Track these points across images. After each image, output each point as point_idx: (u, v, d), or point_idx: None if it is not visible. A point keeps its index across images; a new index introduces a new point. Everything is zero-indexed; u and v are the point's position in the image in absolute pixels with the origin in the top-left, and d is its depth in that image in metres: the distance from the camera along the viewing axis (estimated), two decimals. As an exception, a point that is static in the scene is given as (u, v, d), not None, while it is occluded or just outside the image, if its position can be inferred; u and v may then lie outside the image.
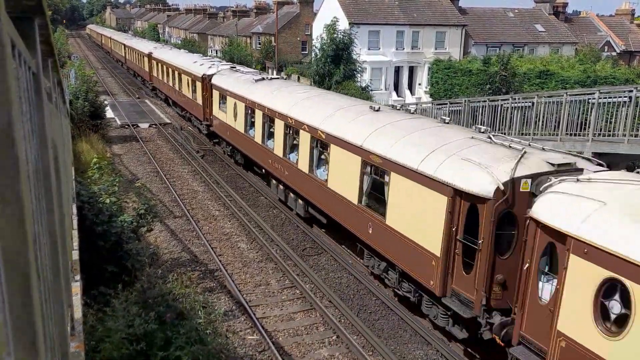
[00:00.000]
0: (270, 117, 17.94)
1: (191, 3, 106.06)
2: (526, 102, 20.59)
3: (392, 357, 10.46)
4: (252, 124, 19.89)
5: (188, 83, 29.25)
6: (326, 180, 14.22)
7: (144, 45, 48.60)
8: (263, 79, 21.39)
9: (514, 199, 8.69)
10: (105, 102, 31.18)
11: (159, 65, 38.62)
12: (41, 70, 2.83)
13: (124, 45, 58.82)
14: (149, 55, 42.06)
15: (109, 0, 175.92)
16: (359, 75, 38.02)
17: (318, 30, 39.85)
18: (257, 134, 19.32)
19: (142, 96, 43.79)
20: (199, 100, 26.86)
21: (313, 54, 40.15)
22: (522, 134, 20.22)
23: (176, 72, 32.38)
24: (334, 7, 43.34)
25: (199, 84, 26.64)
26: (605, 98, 17.50)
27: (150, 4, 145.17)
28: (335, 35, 36.02)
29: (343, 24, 39.31)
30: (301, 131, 15.43)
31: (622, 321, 6.80)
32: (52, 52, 4.31)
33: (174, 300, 8.86)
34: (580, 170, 9.05)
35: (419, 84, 45.13)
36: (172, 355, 7.58)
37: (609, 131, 17.27)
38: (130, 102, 41.10)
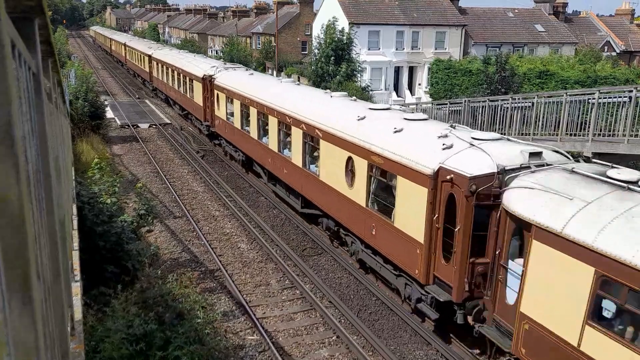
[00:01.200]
0: None
1: (191, 3, 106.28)
2: (526, 102, 20.59)
3: (392, 357, 10.46)
4: None
5: (352, 168, 13.30)
6: None
7: (191, 63, 30.30)
8: None
9: None
10: (106, 103, 31.19)
11: (238, 103, 22.10)
12: (41, 70, 2.83)
13: (149, 57, 42.30)
14: (208, 81, 25.73)
15: (109, 0, 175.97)
16: (359, 75, 38.01)
17: (318, 30, 39.83)
18: None
19: (142, 96, 43.79)
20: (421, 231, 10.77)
21: (312, 54, 40.16)
22: (522, 134, 20.22)
23: (298, 131, 16.35)
24: (334, 7, 43.33)
25: (418, 190, 10.66)
26: (605, 98, 17.50)
27: (150, 4, 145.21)
28: (334, 35, 36.00)
29: (343, 24, 39.30)
30: None
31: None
32: (52, 52, 4.31)
33: (173, 301, 8.86)
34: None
35: (419, 84, 45.14)
36: (171, 355, 7.58)
37: (609, 131, 17.27)
38: (130, 102, 41.10)
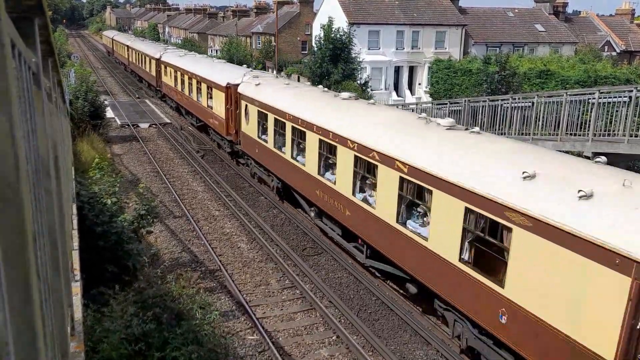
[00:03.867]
0: None
1: (191, 3, 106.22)
2: (526, 102, 20.59)
3: (392, 357, 10.46)
4: None
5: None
6: None
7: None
8: None
9: None
10: (106, 102, 31.17)
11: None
12: (41, 70, 2.83)
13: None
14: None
15: (109, 0, 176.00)
16: (359, 74, 37.97)
17: (318, 30, 39.82)
18: None
19: (142, 96, 43.79)
20: None
21: (311, 54, 40.16)
22: (522, 133, 20.23)
23: None
24: (334, 7, 43.34)
25: None
26: (605, 98, 17.50)
27: (150, 3, 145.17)
28: (332, 34, 35.99)
29: (342, 23, 39.29)
30: None
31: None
32: (52, 52, 4.31)
33: (172, 301, 8.84)
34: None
35: (419, 84, 45.14)
36: (169, 356, 7.57)
37: (609, 131, 17.27)
38: (130, 102, 41.11)
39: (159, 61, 38.29)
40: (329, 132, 13.89)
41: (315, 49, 38.05)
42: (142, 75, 47.22)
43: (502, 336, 8.58)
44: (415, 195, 10.75)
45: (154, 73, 40.28)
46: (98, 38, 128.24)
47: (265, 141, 18.59)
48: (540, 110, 19.59)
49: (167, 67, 35.65)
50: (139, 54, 47.70)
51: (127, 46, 54.74)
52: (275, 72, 48.08)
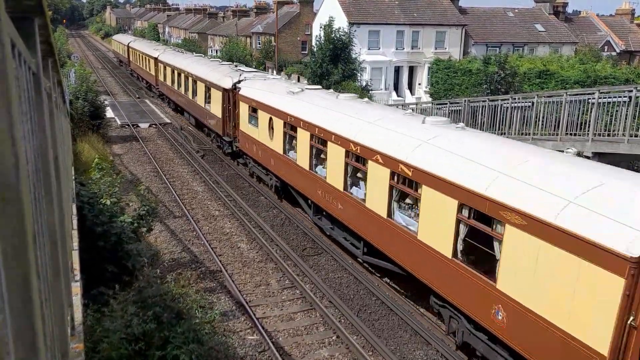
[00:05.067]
0: None
1: (191, 3, 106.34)
2: (526, 102, 20.60)
3: (392, 357, 10.46)
4: None
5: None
6: None
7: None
8: None
9: None
10: (106, 102, 31.17)
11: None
12: (41, 70, 2.83)
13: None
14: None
15: (109, 0, 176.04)
16: (359, 75, 37.99)
17: (318, 30, 39.85)
18: None
19: (142, 96, 43.80)
20: None
21: (311, 54, 40.19)
22: (522, 133, 20.23)
23: None
24: (334, 7, 43.35)
25: None
26: (605, 98, 17.50)
27: (150, 3, 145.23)
28: (332, 35, 36.00)
29: (342, 23, 39.32)
30: None
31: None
32: (52, 52, 4.31)
33: (172, 300, 8.84)
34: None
35: (419, 84, 45.14)
36: (169, 354, 7.57)
37: (609, 131, 17.27)
38: (130, 102, 41.11)
39: (232, 94, 22.67)
40: None
41: (315, 49, 38.07)
42: (189, 109, 31.08)
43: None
44: None
45: (218, 113, 24.32)
46: (99, 39, 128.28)
47: None
48: (540, 110, 19.59)
49: (260, 111, 19.42)
50: (181, 75, 31.58)
51: (156, 59, 39.19)
52: (275, 72, 48.09)
